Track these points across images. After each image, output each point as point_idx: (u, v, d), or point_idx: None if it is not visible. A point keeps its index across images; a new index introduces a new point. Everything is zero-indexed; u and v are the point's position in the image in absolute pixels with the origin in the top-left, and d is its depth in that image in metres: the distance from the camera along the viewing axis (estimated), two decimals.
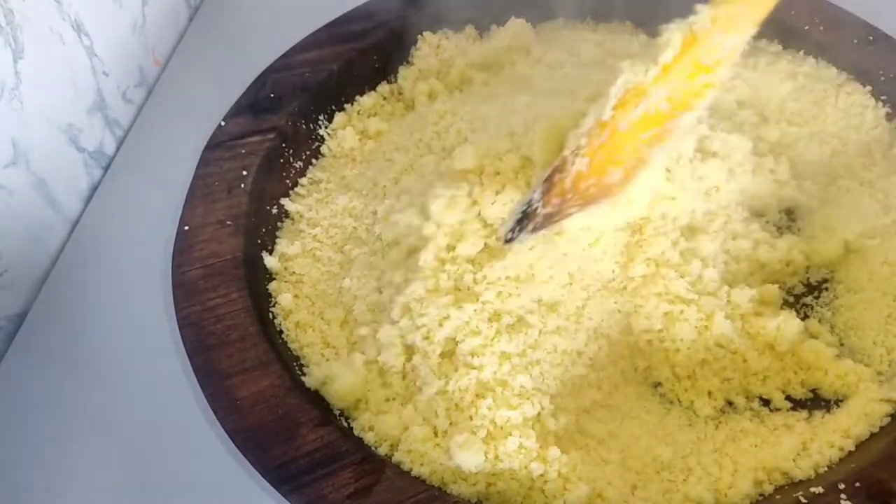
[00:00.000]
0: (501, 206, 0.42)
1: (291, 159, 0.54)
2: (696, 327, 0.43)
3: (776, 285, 0.46)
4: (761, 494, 0.38)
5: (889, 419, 0.39)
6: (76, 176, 0.55)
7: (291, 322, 0.46)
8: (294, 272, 0.49)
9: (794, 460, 0.38)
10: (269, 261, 0.48)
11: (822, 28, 0.55)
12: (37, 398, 0.46)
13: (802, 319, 0.44)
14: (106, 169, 0.58)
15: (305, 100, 0.55)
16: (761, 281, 0.46)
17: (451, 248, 0.43)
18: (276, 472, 0.37)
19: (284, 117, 0.53)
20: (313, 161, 0.55)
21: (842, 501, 0.35)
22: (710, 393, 0.43)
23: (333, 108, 0.57)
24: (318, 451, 0.38)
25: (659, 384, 0.44)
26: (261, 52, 0.57)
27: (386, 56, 0.59)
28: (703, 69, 0.35)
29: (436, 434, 0.40)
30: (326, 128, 0.57)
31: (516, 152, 0.44)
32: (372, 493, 0.37)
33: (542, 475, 0.38)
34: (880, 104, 0.52)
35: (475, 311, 0.42)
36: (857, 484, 0.35)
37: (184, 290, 0.45)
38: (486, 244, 0.43)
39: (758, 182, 0.49)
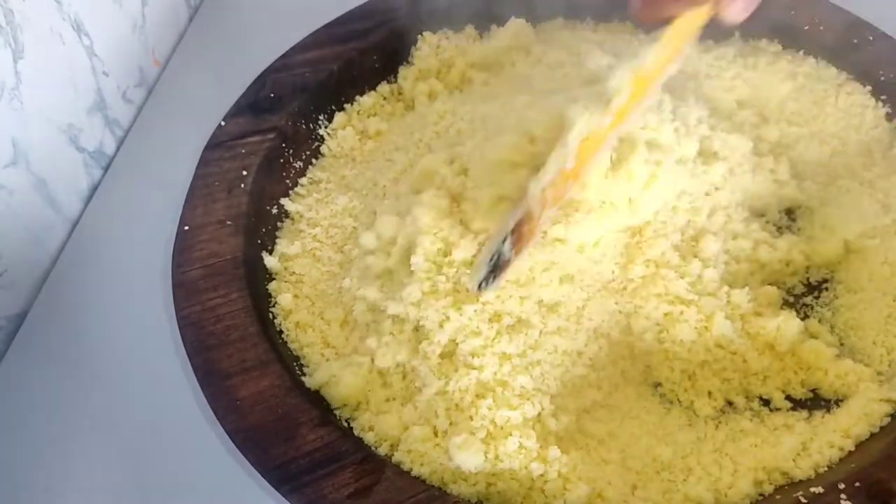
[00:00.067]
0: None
1: (291, 159, 0.54)
2: (695, 328, 0.43)
3: (776, 286, 0.46)
4: (761, 494, 0.38)
5: (889, 419, 0.39)
6: (76, 176, 0.55)
7: (291, 322, 0.46)
8: (294, 272, 0.49)
9: (794, 460, 0.38)
10: (269, 261, 0.48)
11: (822, 28, 0.55)
12: (37, 398, 0.46)
13: (802, 319, 0.44)
14: (106, 169, 0.58)
15: (305, 100, 0.55)
16: (761, 281, 0.46)
17: (446, 252, 0.43)
18: (276, 472, 0.37)
19: (284, 117, 0.53)
20: (313, 161, 0.55)
21: (842, 501, 0.35)
22: (710, 393, 0.43)
23: (333, 108, 0.57)
24: (318, 451, 0.38)
25: (659, 384, 0.44)
26: (261, 52, 0.57)
27: (386, 56, 0.59)
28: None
29: (436, 434, 0.40)
30: (326, 128, 0.57)
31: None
32: (372, 493, 0.37)
33: (542, 475, 0.38)
34: (880, 104, 0.52)
35: (475, 311, 0.42)
36: (857, 484, 0.35)
37: (184, 290, 0.45)
38: (479, 248, 0.43)
39: (758, 182, 0.49)
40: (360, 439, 0.41)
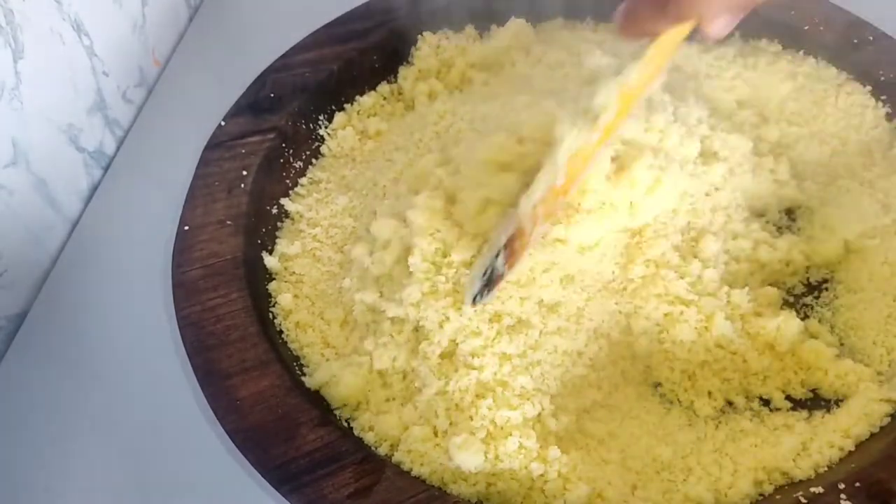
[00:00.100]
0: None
1: (291, 159, 0.54)
2: (696, 328, 0.43)
3: (776, 286, 0.46)
4: (761, 494, 0.38)
5: (889, 419, 0.39)
6: (76, 176, 0.55)
7: (291, 322, 0.46)
8: (294, 272, 0.49)
9: (794, 460, 0.38)
10: (269, 261, 0.48)
11: (821, 28, 0.55)
12: (37, 398, 0.46)
13: (802, 319, 0.44)
14: (106, 169, 0.58)
15: (305, 100, 0.55)
16: (761, 281, 0.46)
17: (444, 252, 0.43)
18: (276, 472, 0.37)
19: (284, 117, 0.53)
20: (313, 161, 0.55)
21: (842, 501, 0.35)
22: (710, 393, 0.43)
23: (333, 108, 0.57)
24: (318, 451, 0.38)
25: (659, 384, 0.44)
26: (261, 52, 0.57)
27: (386, 56, 0.59)
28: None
29: (436, 434, 0.40)
30: (326, 128, 0.57)
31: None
32: (372, 493, 0.37)
33: (542, 475, 0.38)
34: (880, 104, 0.52)
35: (475, 312, 0.42)
36: (857, 484, 0.35)
37: (184, 290, 0.45)
38: (478, 249, 0.43)
39: (758, 182, 0.49)
40: (360, 439, 0.41)
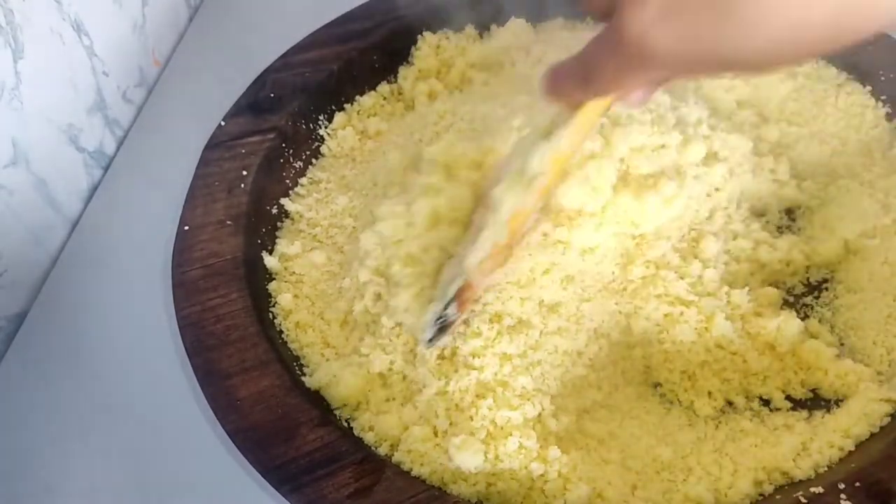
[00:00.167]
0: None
1: (291, 159, 0.54)
2: (696, 328, 0.43)
3: (776, 286, 0.46)
4: (761, 494, 0.38)
5: (889, 419, 0.39)
6: (76, 176, 0.55)
7: (291, 322, 0.46)
8: (294, 272, 0.49)
9: (794, 460, 0.38)
10: (269, 261, 0.48)
11: None
12: (37, 398, 0.46)
13: (802, 319, 0.44)
14: (106, 169, 0.58)
15: (305, 100, 0.55)
16: (761, 281, 0.46)
17: (417, 260, 0.43)
18: (276, 472, 0.37)
19: (284, 117, 0.53)
20: (313, 161, 0.55)
21: (842, 501, 0.35)
22: (710, 393, 0.43)
23: (333, 108, 0.57)
24: (318, 452, 0.38)
25: (659, 384, 0.44)
26: (261, 52, 0.57)
27: (386, 56, 0.59)
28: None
29: (436, 434, 0.40)
30: (326, 128, 0.57)
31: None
32: (372, 493, 0.37)
33: (542, 475, 0.38)
34: (880, 104, 0.52)
35: (475, 312, 0.42)
36: (857, 484, 0.35)
37: (184, 290, 0.45)
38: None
39: (758, 182, 0.49)
40: (360, 439, 0.41)
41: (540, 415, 0.40)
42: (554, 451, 0.38)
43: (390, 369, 0.43)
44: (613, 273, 0.45)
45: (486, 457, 0.38)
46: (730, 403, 0.42)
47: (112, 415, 0.45)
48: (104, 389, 0.46)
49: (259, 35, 0.65)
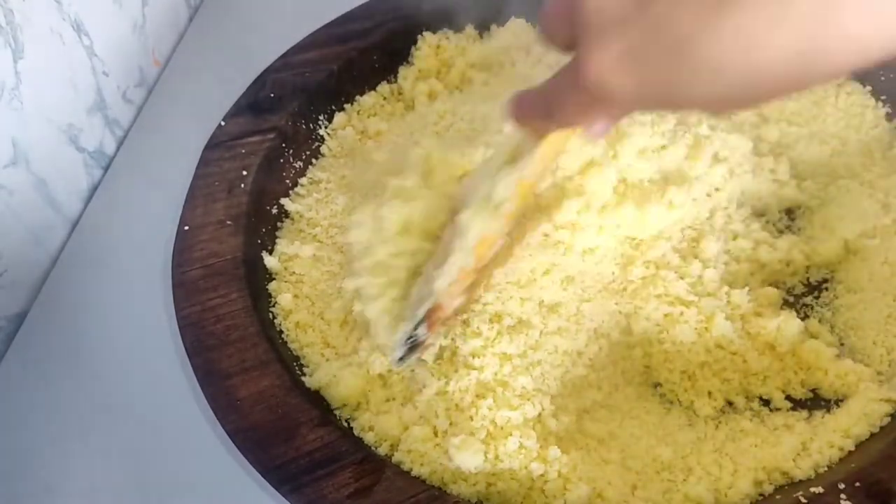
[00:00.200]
0: None
1: (291, 159, 0.54)
2: (696, 329, 0.43)
3: (776, 286, 0.46)
4: (761, 494, 0.38)
5: (889, 419, 0.39)
6: (76, 176, 0.55)
7: (291, 322, 0.46)
8: (294, 272, 0.49)
9: (794, 460, 0.38)
10: (269, 261, 0.48)
11: None
12: (37, 398, 0.46)
13: (802, 319, 0.43)
14: (106, 169, 0.58)
15: (305, 100, 0.55)
16: (761, 281, 0.46)
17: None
18: (276, 472, 0.37)
19: (284, 117, 0.53)
20: (313, 161, 0.55)
21: (842, 501, 0.35)
22: (710, 393, 0.43)
23: (333, 108, 0.57)
24: (318, 451, 0.38)
25: (659, 384, 0.44)
26: (261, 52, 0.57)
27: (386, 56, 0.59)
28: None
29: (436, 434, 0.40)
30: (326, 128, 0.57)
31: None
32: (372, 493, 0.37)
33: (542, 475, 0.38)
34: (880, 104, 0.52)
35: (475, 312, 0.42)
36: (857, 484, 0.35)
37: (184, 290, 0.45)
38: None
39: (758, 182, 0.49)
40: (360, 439, 0.41)
41: (540, 415, 0.40)
42: (554, 451, 0.38)
43: (390, 370, 0.43)
44: (613, 273, 0.45)
45: (486, 457, 0.38)
46: (730, 403, 0.42)
47: (112, 415, 0.45)
48: (104, 389, 0.46)
49: (259, 35, 0.65)
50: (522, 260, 0.43)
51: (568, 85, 0.25)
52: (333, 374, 0.43)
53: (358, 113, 0.58)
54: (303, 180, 0.54)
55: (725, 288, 0.44)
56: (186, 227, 0.47)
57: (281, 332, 0.46)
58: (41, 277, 0.52)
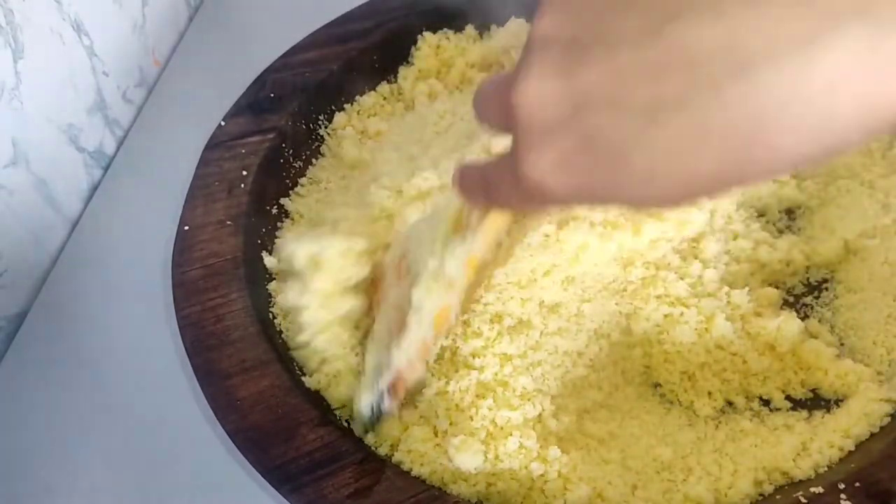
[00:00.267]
0: None
1: (291, 159, 0.54)
2: (696, 329, 0.43)
3: (776, 286, 0.46)
4: (761, 494, 0.38)
5: (889, 419, 0.39)
6: (76, 176, 0.56)
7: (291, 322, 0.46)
8: None
9: (794, 460, 0.38)
10: (269, 261, 0.48)
11: None
12: (37, 398, 0.46)
13: (802, 319, 0.43)
14: (106, 169, 0.58)
15: (305, 100, 0.55)
16: (761, 281, 0.46)
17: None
18: (276, 472, 0.37)
19: (284, 117, 0.53)
20: (313, 161, 0.55)
21: (842, 501, 0.35)
22: (709, 393, 0.43)
23: (333, 108, 0.57)
24: (318, 451, 0.38)
25: (659, 384, 0.44)
26: (261, 52, 0.57)
27: (386, 56, 0.59)
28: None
29: (436, 434, 0.40)
30: (326, 128, 0.57)
31: None
32: (372, 493, 0.37)
33: (542, 475, 0.38)
34: None
35: (476, 312, 0.42)
36: (857, 484, 0.35)
37: (184, 290, 0.45)
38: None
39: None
40: (360, 439, 0.41)
41: (540, 415, 0.40)
42: (554, 451, 0.38)
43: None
44: (614, 274, 0.45)
45: (485, 457, 0.38)
46: (730, 403, 0.42)
47: (112, 415, 0.45)
48: (104, 389, 0.46)
49: (259, 35, 0.65)
50: (523, 260, 0.43)
51: (508, 178, 0.25)
52: (333, 375, 0.43)
53: (358, 113, 0.58)
54: (303, 180, 0.54)
55: (725, 288, 0.44)
56: (186, 227, 0.47)
57: (281, 332, 0.46)
58: (41, 277, 0.52)
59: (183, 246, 0.47)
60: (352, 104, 0.58)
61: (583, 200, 0.23)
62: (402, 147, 0.54)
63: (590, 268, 0.44)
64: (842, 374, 0.41)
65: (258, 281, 0.47)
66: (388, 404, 0.39)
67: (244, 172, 0.50)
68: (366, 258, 0.45)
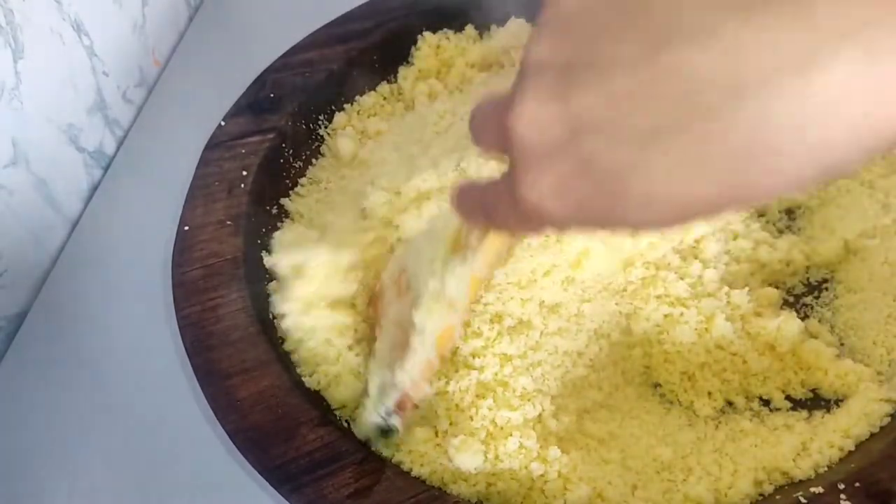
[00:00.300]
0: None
1: (291, 159, 0.54)
2: (695, 329, 0.43)
3: (776, 286, 0.46)
4: (761, 494, 0.38)
5: (889, 419, 0.39)
6: (76, 176, 0.55)
7: None
8: None
9: (794, 460, 0.38)
10: (269, 261, 0.48)
11: None
12: (37, 398, 0.46)
13: (802, 319, 0.43)
14: (106, 169, 0.58)
15: (305, 100, 0.55)
16: (761, 281, 0.46)
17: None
18: (276, 472, 0.37)
19: (284, 117, 0.53)
20: (313, 161, 0.55)
21: (842, 501, 0.35)
22: (709, 393, 0.43)
23: (333, 108, 0.57)
24: (318, 451, 0.38)
25: (659, 384, 0.44)
26: (261, 52, 0.57)
27: (386, 56, 0.59)
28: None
29: (436, 434, 0.40)
30: (326, 128, 0.56)
31: None
32: (372, 494, 0.37)
33: (542, 475, 0.38)
34: None
35: (476, 312, 0.42)
36: (857, 484, 0.35)
37: (184, 290, 0.45)
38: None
39: None
40: (360, 440, 0.41)
41: (540, 415, 0.40)
42: (554, 451, 0.38)
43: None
44: (614, 274, 0.45)
45: (486, 457, 0.38)
46: (730, 403, 0.42)
47: (112, 415, 0.45)
48: (104, 389, 0.46)
49: (259, 35, 0.65)
50: (523, 260, 0.43)
51: (505, 198, 0.25)
52: (334, 375, 0.43)
53: (358, 113, 0.58)
54: (303, 180, 0.54)
55: (725, 288, 0.44)
56: (186, 227, 0.47)
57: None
58: (41, 277, 0.52)
59: (183, 246, 0.47)
60: (352, 104, 0.58)
61: (581, 223, 0.23)
62: (401, 147, 0.54)
63: (590, 268, 0.44)
64: (842, 374, 0.41)
65: (258, 281, 0.47)
66: (395, 422, 0.39)
67: (244, 172, 0.50)
68: (353, 275, 0.45)
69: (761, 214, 0.49)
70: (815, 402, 0.42)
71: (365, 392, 0.41)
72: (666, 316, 0.43)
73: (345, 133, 0.56)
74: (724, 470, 0.39)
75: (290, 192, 0.53)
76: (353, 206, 0.50)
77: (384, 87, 0.59)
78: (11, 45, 0.48)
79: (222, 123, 0.53)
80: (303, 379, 0.43)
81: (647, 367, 0.44)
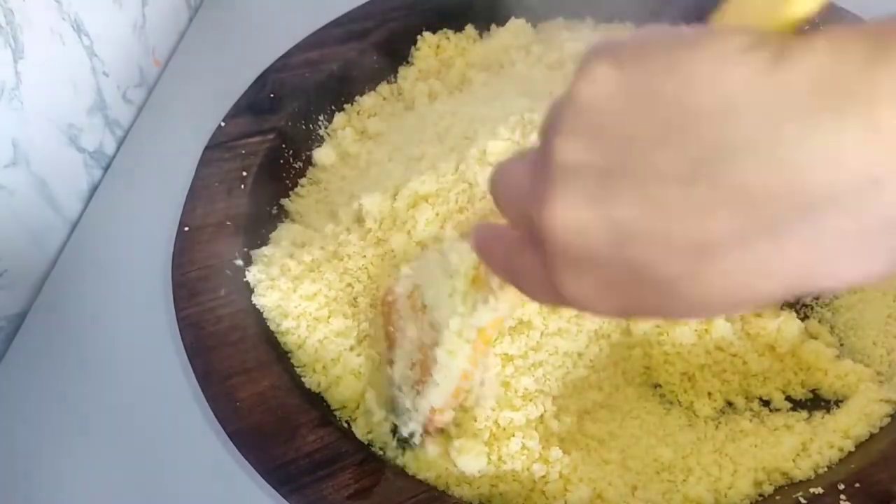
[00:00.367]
0: None
1: (291, 159, 0.54)
2: (695, 330, 0.43)
3: None
4: (761, 495, 0.38)
5: (889, 419, 0.39)
6: (76, 176, 0.55)
7: None
8: None
9: (793, 460, 0.38)
10: (269, 261, 0.48)
11: (822, 28, 0.55)
12: (37, 398, 0.46)
13: (802, 320, 0.44)
14: (106, 169, 0.58)
15: (305, 100, 0.55)
16: None
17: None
18: (276, 473, 0.37)
19: (284, 117, 0.53)
20: (313, 161, 0.55)
21: (841, 502, 0.35)
22: (709, 394, 0.43)
23: (333, 108, 0.57)
24: (318, 452, 0.38)
25: (659, 385, 0.44)
26: (261, 52, 0.57)
27: (386, 56, 0.59)
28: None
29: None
30: (326, 128, 0.56)
31: None
32: (372, 494, 0.37)
33: (543, 476, 0.38)
34: None
35: None
36: (857, 484, 0.35)
37: (184, 291, 0.45)
38: None
39: None
40: (360, 440, 0.41)
41: (542, 416, 0.40)
42: (556, 452, 0.38)
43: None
44: None
45: (489, 458, 0.38)
46: (730, 404, 0.42)
47: (112, 415, 0.45)
48: (104, 389, 0.46)
49: (259, 35, 0.64)
50: None
51: (538, 276, 0.24)
52: (334, 376, 0.43)
53: (358, 113, 0.58)
54: (303, 180, 0.54)
55: None
56: (186, 228, 0.47)
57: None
58: (41, 277, 0.52)
59: (183, 246, 0.47)
60: (352, 104, 0.58)
61: (624, 316, 0.23)
62: (401, 147, 0.54)
63: None
64: (842, 375, 0.41)
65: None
66: (419, 440, 0.39)
67: (244, 173, 0.50)
68: (353, 275, 0.45)
69: None
70: (815, 402, 0.42)
71: (388, 404, 0.41)
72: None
73: (346, 134, 0.56)
74: (724, 470, 0.39)
75: (290, 192, 0.53)
76: (353, 206, 0.50)
77: (384, 87, 0.59)
78: (11, 45, 0.48)
79: (222, 124, 0.53)
80: (303, 379, 0.43)
81: (647, 368, 0.44)
